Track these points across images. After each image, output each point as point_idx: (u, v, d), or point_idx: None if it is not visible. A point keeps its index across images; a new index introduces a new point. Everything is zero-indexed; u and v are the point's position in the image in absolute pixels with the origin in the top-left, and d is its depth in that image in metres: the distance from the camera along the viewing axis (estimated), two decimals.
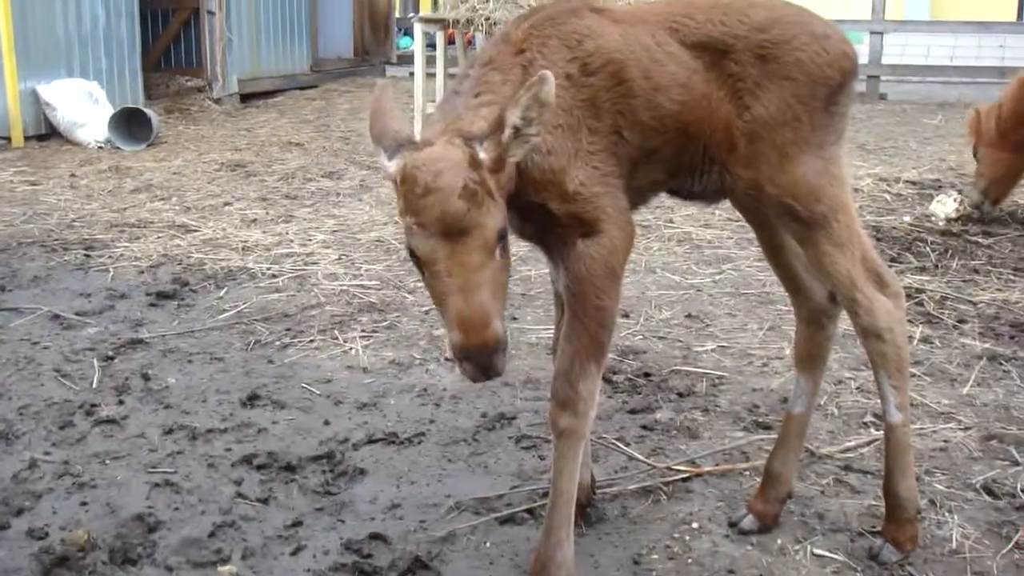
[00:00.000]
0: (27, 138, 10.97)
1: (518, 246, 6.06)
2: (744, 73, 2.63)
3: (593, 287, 2.63)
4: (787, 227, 2.77)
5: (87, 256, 6.24)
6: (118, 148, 10.56)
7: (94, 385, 4.21)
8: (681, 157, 2.71)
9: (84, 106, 11.05)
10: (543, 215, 2.62)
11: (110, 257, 6.21)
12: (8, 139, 10.86)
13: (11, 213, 7.50)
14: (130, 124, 10.88)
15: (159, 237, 6.70)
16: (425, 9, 18.86)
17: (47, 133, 11.13)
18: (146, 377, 4.27)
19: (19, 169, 9.46)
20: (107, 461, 3.56)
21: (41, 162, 9.88)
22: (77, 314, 5.11)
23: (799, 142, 2.64)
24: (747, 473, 3.44)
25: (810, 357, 3.08)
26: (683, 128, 2.65)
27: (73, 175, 9.13)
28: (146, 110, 11.12)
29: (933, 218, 6.88)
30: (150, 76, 13.44)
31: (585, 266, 2.63)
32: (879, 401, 3.86)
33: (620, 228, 2.65)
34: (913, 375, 4.24)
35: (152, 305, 5.30)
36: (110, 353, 4.56)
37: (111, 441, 3.72)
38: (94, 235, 6.77)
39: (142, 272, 5.90)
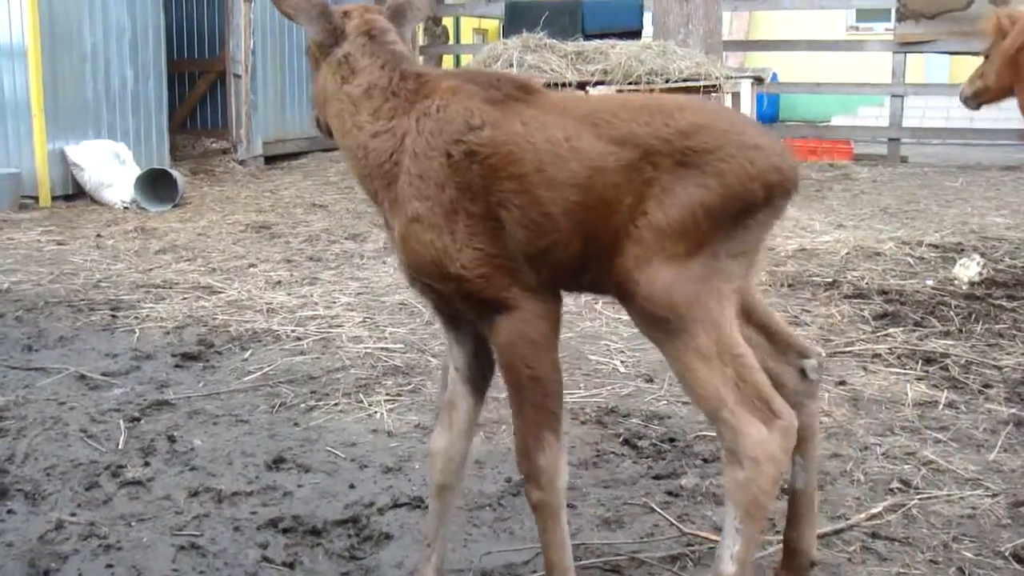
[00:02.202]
0: (54, 198, 11.11)
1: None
2: (657, 178, 2.48)
3: (520, 359, 2.62)
4: (650, 334, 2.58)
5: (113, 317, 6.28)
6: (144, 209, 10.68)
7: (120, 446, 4.23)
8: (569, 257, 2.59)
9: (111, 167, 11.20)
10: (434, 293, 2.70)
11: (136, 318, 6.25)
12: (36, 199, 11.00)
13: (38, 273, 7.57)
14: (156, 185, 11.01)
15: (184, 298, 6.75)
16: None
17: (74, 193, 11.28)
18: (172, 439, 4.29)
19: (46, 229, 9.56)
20: (133, 523, 3.57)
21: (68, 222, 9.99)
22: (103, 375, 5.15)
23: (690, 251, 2.46)
24: (774, 541, 3.42)
25: (800, 440, 2.77)
26: (575, 228, 2.54)
27: (99, 235, 9.23)
28: (172, 171, 11.25)
29: (956, 281, 6.87)
30: (176, 137, 13.61)
31: (505, 340, 2.62)
32: (905, 466, 3.88)
33: (533, 300, 2.61)
34: (939, 441, 4.23)
35: (177, 366, 5.33)
36: (136, 414, 4.59)
37: (137, 503, 3.73)
38: (120, 296, 6.83)
39: (167, 333, 5.93)
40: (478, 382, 2.92)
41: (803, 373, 2.89)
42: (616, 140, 2.51)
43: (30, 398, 4.81)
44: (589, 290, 2.85)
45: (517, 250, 2.57)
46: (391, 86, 2.78)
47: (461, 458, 2.98)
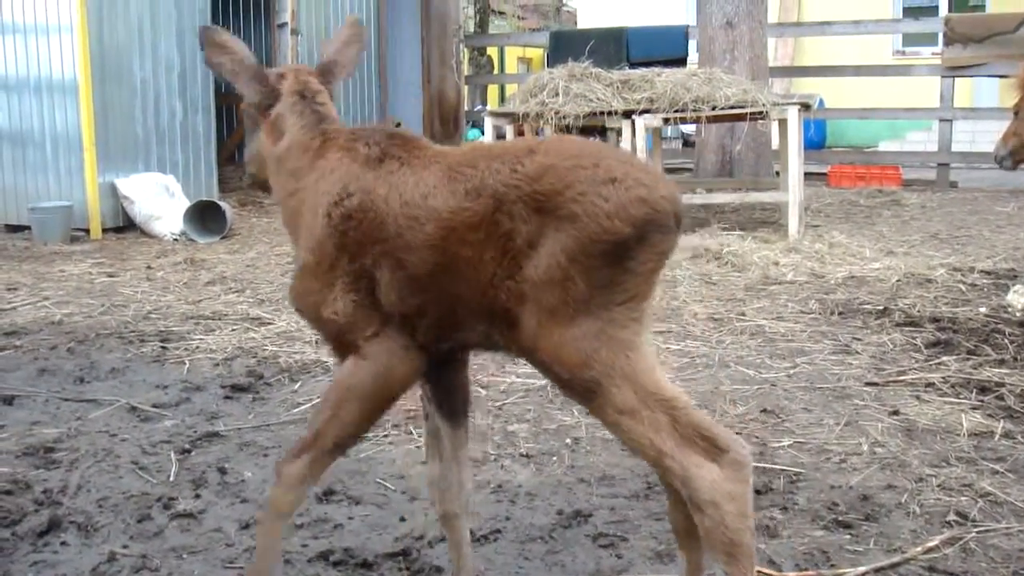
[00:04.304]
0: (105, 230, 11.26)
1: None
2: (516, 229, 2.38)
3: (341, 398, 2.68)
4: (568, 396, 2.54)
5: (163, 348, 6.33)
6: (193, 240, 10.78)
7: (171, 478, 4.24)
8: (447, 317, 2.58)
9: (160, 199, 11.32)
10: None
11: (186, 349, 6.29)
12: (87, 231, 11.14)
13: (90, 304, 7.65)
14: (205, 217, 11.11)
15: (234, 329, 6.79)
16: (493, 101, 19.14)
17: (124, 225, 11.42)
18: (222, 471, 4.30)
19: (97, 261, 9.67)
20: (184, 555, 3.58)
21: (118, 254, 10.10)
22: (154, 406, 5.18)
23: (570, 304, 2.34)
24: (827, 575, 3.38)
25: (687, 535, 2.67)
26: (441, 289, 2.52)
27: (149, 267, 9.32)
28: (220, 203, 11.34)
29: (1010, 309, 6.78)
30: (224, 170, 13.72)
31: (342, 379, 2.70)
32: (962, 498, 3.82)
33: (379, 359, 2.64)
34: (996, 472, 4.16)
35: (227, 398, 5.36)
36: (187, 446, 4.61)
37: (188, 535, 3.73)
38: (170, 327, 6.88)
39: (217, 365, 5.97)
40: (455, 411, 2.97)
41: None
42: (469, 193, 2.46)
43: (82, 430, 4.84)
44: (493, 350, 2.76)
45: (391, 308, 2.61)
46: (306, 146, 2.86)
47: (458, 485, 3.01)
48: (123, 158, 11.60)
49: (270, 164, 2.95)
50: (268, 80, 2.96)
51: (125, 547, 3.63)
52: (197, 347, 6.34)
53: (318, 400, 2.80)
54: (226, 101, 14.56)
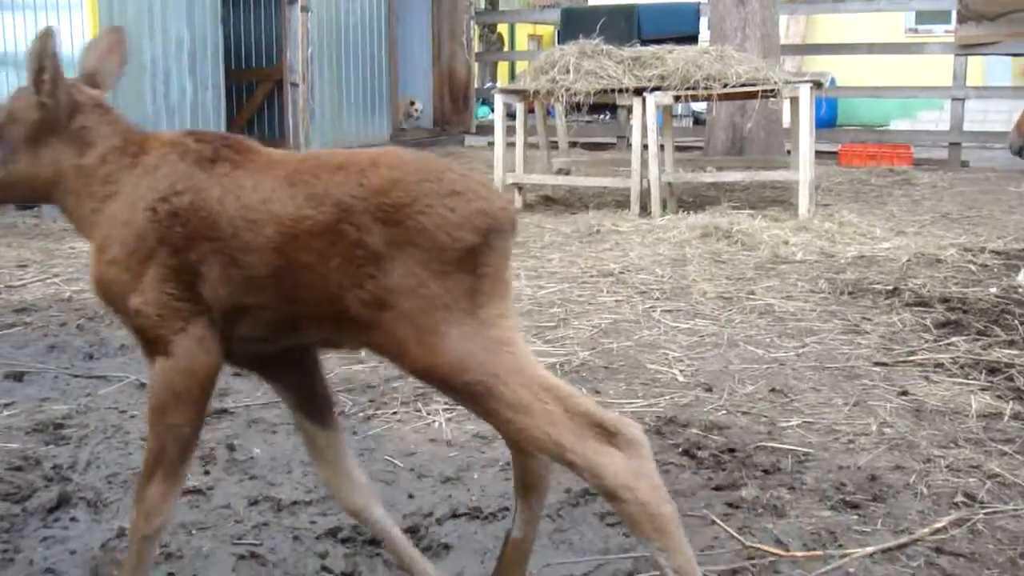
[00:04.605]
0: None
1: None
2: (364, 240, 2.42)
3: (160, 403, 2.68)
4: (456, 401, 2.60)
5: None
6: None
7: None
8: (286, 317, 2.60)
9: None
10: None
11: None
12: None
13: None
14: None
15: None
16: (503, 79, 19.08)
17: None
18: (231, 447, 4.32)
19: None
20: (193, 531, 3.59)
21: None
22: None
23: (436, 311, 2.39)
24: (835, 556, 3.38)
25: (524, 486, 2.84)
26: (280, 290, 2.54)
27: None
28: None
29: (1020, 289, 6.77)
30: None
31: (155, 384, 2.69)
32: (970, 479, 3.82)
33: (187, 356, 2.63)
34: (1005, 453, 4.16)
35: (236, 375, 5.35)
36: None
37: (197, 512, 3.75)
38: None
39: None
40: (319, 412, 2.98)
41: None
42: (311, 200, 2.49)
43: (92, 406, 4.86)
44: (329, 347, 2.88)
45: (217, 304, 2.61)
46: (124, 150, 2.79)
47: (351, 481, 3.00)
48: None
49: (72, 175, 2.81)
50: (71, 93, 2.85)
51: None
52: None
53: (148, 412, 2.75)
54: (236, 78, 14.55)
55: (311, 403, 2.97)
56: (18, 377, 5.33)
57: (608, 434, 2.40)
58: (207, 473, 4.07)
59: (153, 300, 2.60)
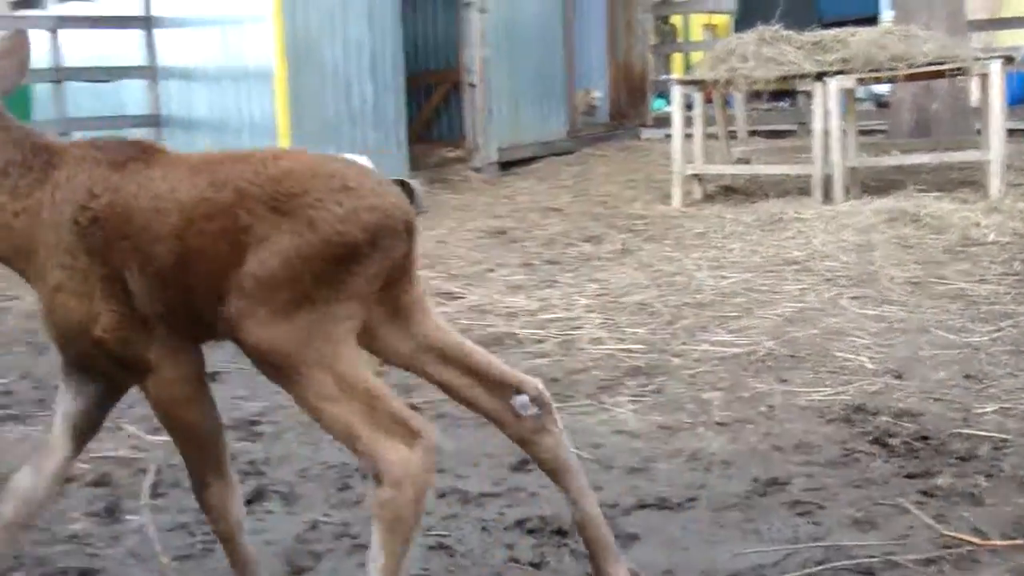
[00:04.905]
0: None
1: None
2: (253, 226, 2.47)
3: (169, 416, 2.75)
4: (270, 379, 2.61)
5: None
6: None
7: None
8: (195, 309, 2.60)
9: None
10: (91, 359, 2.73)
11: None
12: None
13: None
14: None
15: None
16: (677, 70, 18.89)
17: None
18: None
19: None
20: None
21: None
22: None
23: (292, 299, 2.45)
24: None
25: (550, 471, 2.96)
26: (186, 280, 2.56)
27: None
28: (411, 181, 11.45)
29: None
30: (414, 148, 13.93)
31: (154, 399, 2.73)
32: None
33: (170, 362, 2.66)
34: None
35: None
36: None
37: None
38: None
39: None
40: (83, 434, 2.92)
41: (515, 411, 2.89)
42: (213, 185, 2.54)
43: (282, 404, 4.98)
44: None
45: (145, 309, 2.61)
46: (29, 163, 2.72)
47: (40, 501, 2.92)
48: (316, 142, 11.84)
49: None
50: None
51: (327, 515, 3.74)
52: None
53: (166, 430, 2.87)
54: (414, 80, 14.78)
55: (90, 419, 2.93)
56: (212, 377, 5.50)
57: (408, 434, 2.52)
58: None
59: (112, 322, 2.61)
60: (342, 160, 2.67)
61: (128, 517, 3.79)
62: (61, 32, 12.76)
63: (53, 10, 14.64)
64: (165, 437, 4.37)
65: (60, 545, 3.60)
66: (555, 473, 2.95)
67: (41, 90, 14.83)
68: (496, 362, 2.97)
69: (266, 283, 2.44)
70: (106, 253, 2.60)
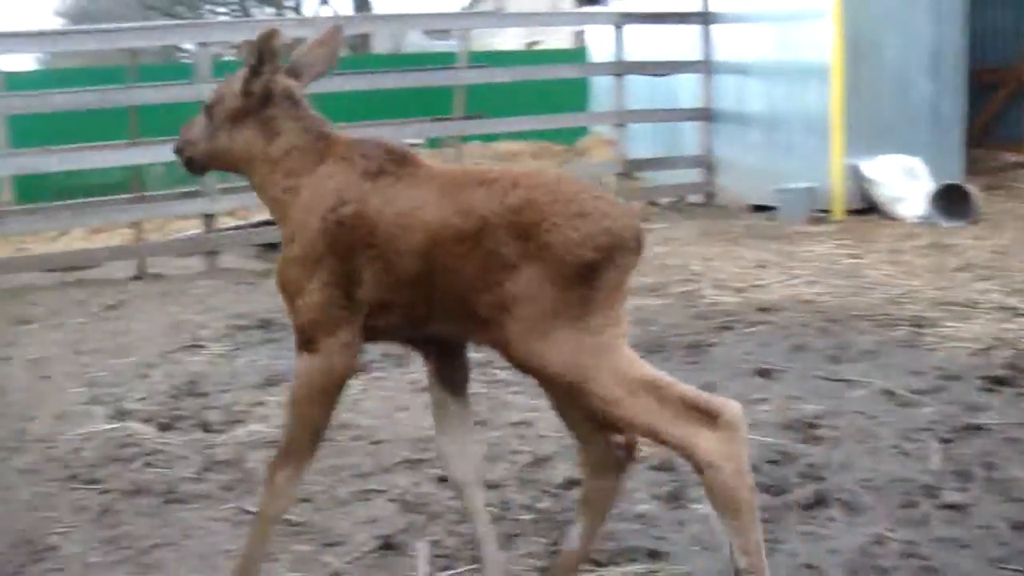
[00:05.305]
0: (847, 212, 11.33)
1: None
2: (498, 250, 2.71)
3: (299, 396, 2.99)
4: (552, 393, 2.91)
5: (916, 333, 6.23)
6: (937, 224, 10.48)
7: (934, 467, 4.15)
8: (423, 313, 2.90)
9: (904, 181, 11.16)
10: None
11: (939, 336, 6.14)
12: (828, 212, 11.31)
13: (837, 285, 7.76)
14: (949, 200, 10.76)
15: (988, 319, 6.50)
16: None
17: (865, 207, 11.40)
18: (989, 465, 4.13)
19: (840, 241, 9.81)
20: (953, 548, 3.48)
21: (861, 235, 10.13)
22: (911, 392, 5.10)
23: (549, 318, 2.66)
24: None
25: (589, 504, 3.11)
26: (421, 290, 2.84)
27: (893, 250, 9.24)
28: (966, 186, 10.92)
29: None
30: (971, 152, 13.19)
31: (298, 377, 3.00)
32: None
33: (330, 356, 2.94)
34: None
35: (986, 390, 5.14)
36: (947, 436, 4.48)
37: (955, 528, 3.63)
38: (920, 312, 6.75)
39: (973, 354, 5.74)
40: (456, 383, 3.20)
41: (618, 449, 3.03)
42: (459, 213, 2.77)
43: (840, 409, 4.90)
44: (456, 337, 3.07)
45: (371, 299, 2.91)
46: (307, 149, 3.11)
47: (465, 455, 3.23)
48: (868, 140, 11.55)
49: (260, 161, 3.17)
50: (263, 84, 3.16)
51: (891, 530, 3.61)
52: (949, 335, 6.16)
53: (287, 403, 3.09)
54: (976, 78, 13.96)
55: (451, 375, 3.19)
56: (766, 374, 5.53)
57: (706, 416, 2.62)
58: (964, 490, 3.93)
59: (314, 304, 2.94)
60: (575, 182, 2.81)
61: (692, 505, 3.86)
62: (623, 28, 13.28)
63: (616, 6, 15.33)
64: None
65: (628, 523, 3.74)
66: (590, 508, 3.14)
67: (600, 82, 15.65)
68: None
69: (527, 304, 2.68)
70: (345, 252, 2.91)
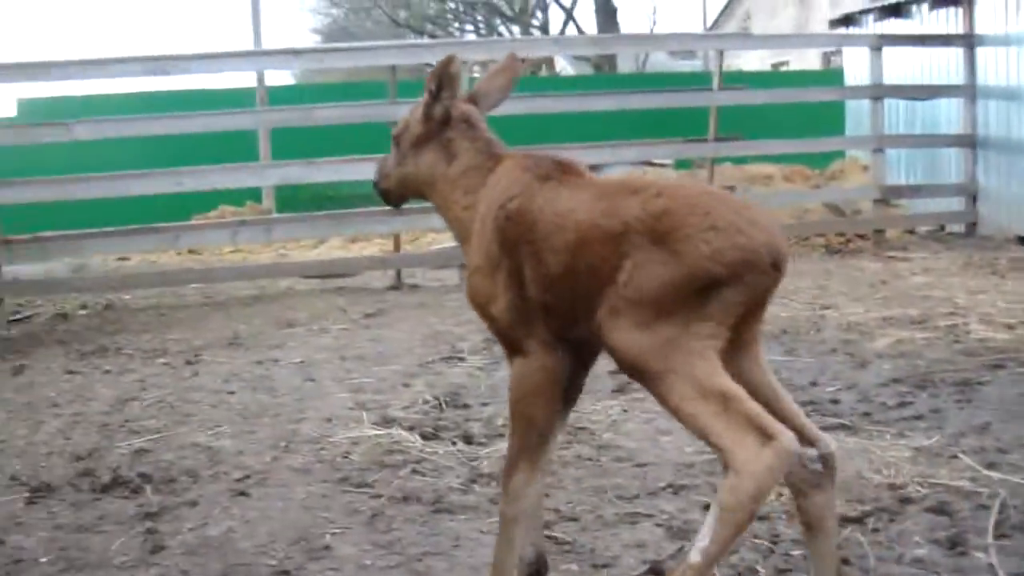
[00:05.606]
0: None
1: None
2: (635, 252, 2.79)
3: (518, 396, 3.11)
4: (633, 379, 2.88)
5: None
6: None
7: None
8: (569, 311, 2.98)
9: None
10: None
11: None
12: None
13: None
14: None
15: None
16: None
17: None
18: None
19: None
20: None
21: None
22: None
23: (654, 314, 2.74)
24: None
25: (808, 525, 3.03)
26: (565, 289, 2.95)
27: None
28: None
29: None
30: None
31: (514, 380, 3.12)
32: None
33: (541, 353, 3.07)
34: None
35: None
36: None
37: None
38: None
39: None
40: (571, 399, 3.28)
41: (801, 461, 2.92)
42: (607, 215, 2.87)
43: None
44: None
45: (534, 300, 3.03)
46: (480, 167, 3.33)
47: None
48: None
49: (441, 182, 3.41)
50: (443, 108, 3.40)
51: None
52: None
53: (509, 406, 3.17)
54: None
55: (571, 392, 3.25)
56: None
57: (764, 437, 2.64)
58: None
59: (504, 307, 3.10)
60: (720, 197, 2.88)
61: (974, 552, 3.68)
62: (883, 50, 12.89)
63: (875, 28, 14.91)
64: (1004, 474, 4.28)
65: (904, 567, 3.60)
66: (811, 529, 3.03)
67: (853, 105, 15.25)
68: (799, 413, 3.01)
69: (634, 299, 2.77)
70: (512, 248, 3.07)
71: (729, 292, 2.74)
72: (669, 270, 2.74)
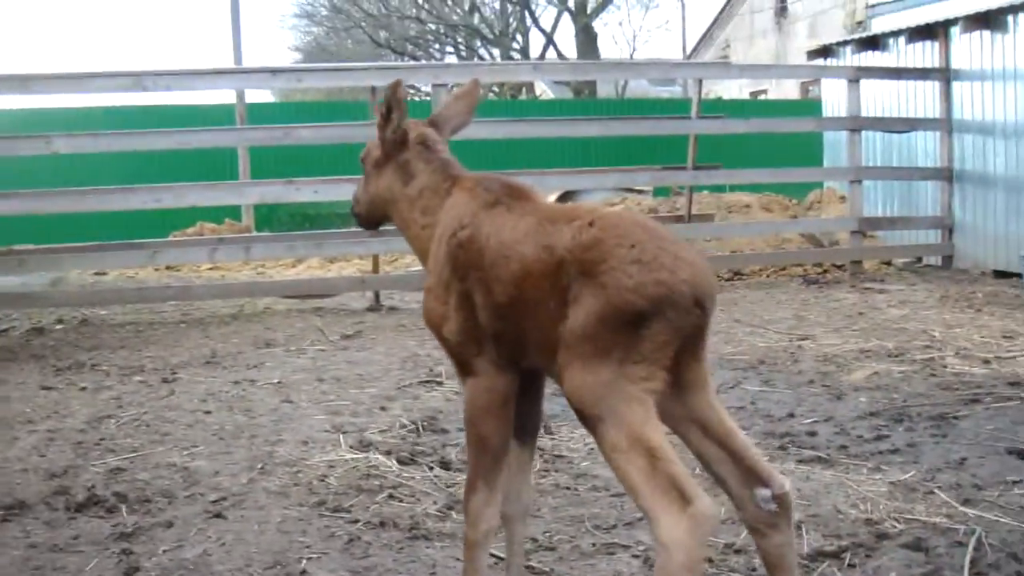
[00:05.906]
0: None
1: None
2: (569, 285, 2.82)
3: (471, 417, 3.16)
4: (582, 423, 2.85)
5: None
6: None
7: None
8: (519, 343, 3.02)
9: None
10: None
11: None
12: None
13: None
14: None
15: None
16: None
17: None
18: None
19: None
20: None
21: None
22: None
23: (597, 354, 2.73)
24: None
25: (768, 565, 3.02)
26: (513, 319, 2.99)
27: None
28: None
29: None
30: None
31: (466, 401, 3.19)
32: None
33: (490, 374, 3.11)
34: None
35: None
36: None
37: None
38: None
39: None
40: (527, 432, 3.33)
41: (755, 501, 2.95)
42: (545, 247, 2.91)
43: None
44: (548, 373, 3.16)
45: (484, 326, 3.07)
46: (437, 188, 3.42)
47: (518, 493, 3.37)
48: None
49: (400, 202, 3.52)
50: (395, 130, 3.50)
51: None
52: None
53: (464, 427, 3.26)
54: None
55: (525, 424, 3.30)
56: (1022, 455, 5.26)
57: (683, 500, 2.63)
58: None
59: (456, 328, 3.14)
60: (651, 229, 2.85)
61: None
62: (860, 82, 13.00)
63: (852, 60, 15.04)
64: (980, 511, 4.29)
65: None
66: (772, 568, 3.02)
67: (833, 137, 15.36)
68: (753, 453, 3.01)
69: (578, 337, 2.76)
70: (463, 275, 3.13)
71: (656, 328, 2.72)
72: (598, 303, 2.74)
